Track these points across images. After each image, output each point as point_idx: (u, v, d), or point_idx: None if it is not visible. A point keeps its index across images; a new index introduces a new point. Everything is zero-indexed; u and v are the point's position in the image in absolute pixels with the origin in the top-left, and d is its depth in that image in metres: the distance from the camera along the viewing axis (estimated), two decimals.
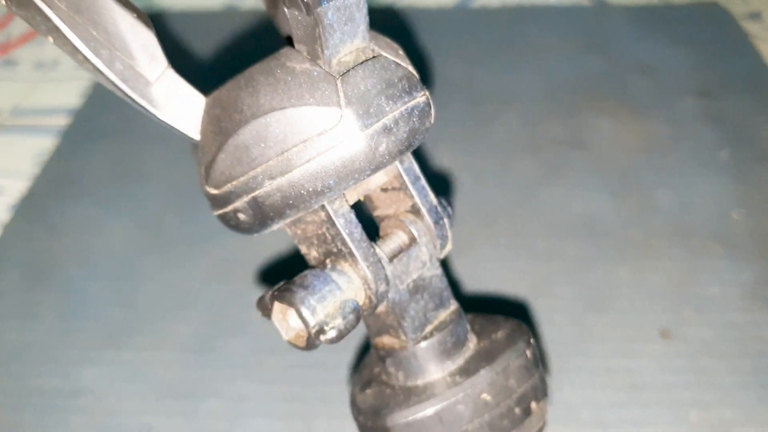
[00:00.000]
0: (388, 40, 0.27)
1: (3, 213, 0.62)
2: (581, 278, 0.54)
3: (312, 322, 0.25)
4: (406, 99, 0.25)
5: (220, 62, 0.75)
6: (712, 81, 0.71)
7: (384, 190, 0.29)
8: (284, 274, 0.28)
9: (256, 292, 0.54)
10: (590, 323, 0.51)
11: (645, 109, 0.69)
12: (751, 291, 0.52)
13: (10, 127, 0.72)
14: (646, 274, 0.54)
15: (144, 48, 0.23)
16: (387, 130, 0.24)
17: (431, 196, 0.29)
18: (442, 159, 0.63)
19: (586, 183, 0.61)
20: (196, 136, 0.27)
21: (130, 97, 0.24)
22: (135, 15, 0.23)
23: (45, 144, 0.69)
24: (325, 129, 0.23)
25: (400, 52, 0.26)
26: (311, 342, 0.25)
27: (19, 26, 0.86)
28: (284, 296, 0.25)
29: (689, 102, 0.69)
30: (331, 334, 0.25)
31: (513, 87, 0.72)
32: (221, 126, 0.25)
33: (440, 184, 0.61)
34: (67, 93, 0.75)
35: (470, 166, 0.63)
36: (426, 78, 0.70)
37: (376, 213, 0.31)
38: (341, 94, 0.23)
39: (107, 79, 0.23)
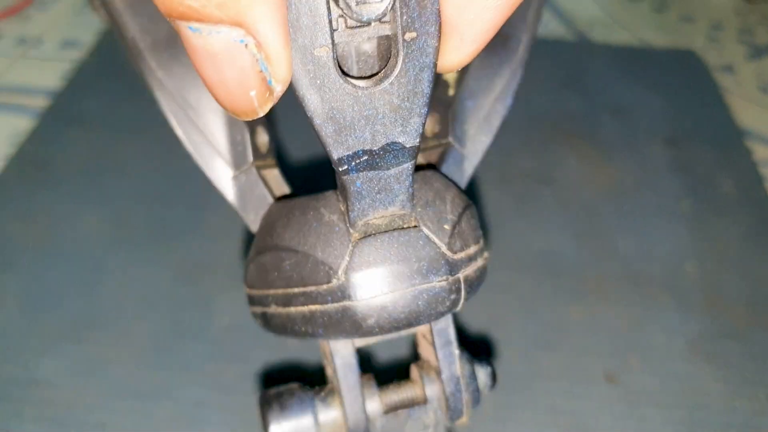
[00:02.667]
0: (449, 207, 0.26)
1: None
2: (534, 315, 0.56)
3: None
4: (417, 281, 0.24)
5: None
6: (681, 130, 0.74)
7: (423, 335, 0.29)
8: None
9: (221, 296, 0.55)
10: (539, 360, 0.53)
11: (614, 151, 0.71)
12: (695, 344, 0.54)
13: None
14: (597, 316, 0.56)
15: (234, 145, 0.25)
16: (382, 308, 0.23)
17: (456, 366, 0.28)
18: None
19: (549, 220, 0.63)
20: (255, 230, 0.28)
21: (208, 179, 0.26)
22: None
23: (21, 124, 0.69)
24: (323, 284, 0.23)
25: (446, 226, 0.25)
26: None
27: None
28: (263, 409, 0.27)
29: (657, 149, 0.71)
30: None
31: None
32: (259, 240, 0.27)
33: None
34: (48, 73, 0.75)
35: None
36: None
37: (419, 350, 0.31)
38: (347, 258, 0.23)
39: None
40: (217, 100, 0.18)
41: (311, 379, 0.34)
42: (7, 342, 0.51)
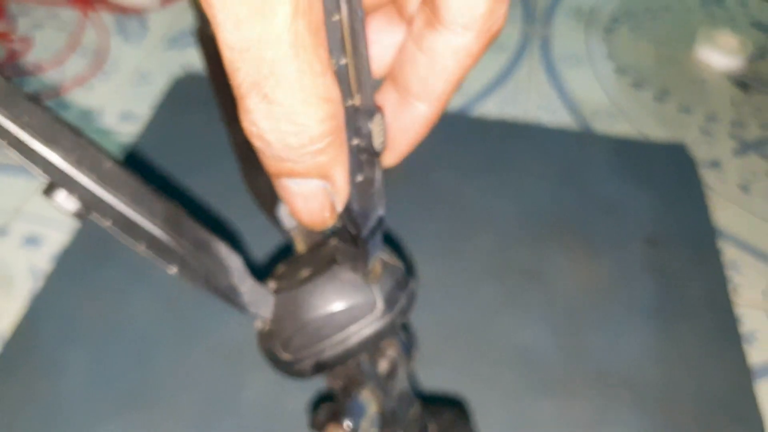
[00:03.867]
0: (384, 248, 0.37)
1: (44, 263, 0.73)
2: (510, 406, 0.66)
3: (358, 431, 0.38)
4: (405, 289, 0.36)
5: None
6: (662, 228, 0.83)
7: None
8: None
9: (250, 373, 0.66)
10: None
11: (599, 248, 0.80)
12: None
13: None
14: (564, 410, 0.66)
15: (236, 269, 0.34)
16: (401, 311, 0.36)
17: (402, 334, 0.42)
18: (420, 273, 0.75)
19: (533, 315, 0.73)
20: (268, 316, 0.36)
21: (227, 301, 0.35)
22: (228, 246, 0.33)
23: None
24: (368, 316, 0.35)
25: (393, 256, 0.37)
26: None
27: (73, 67, 0.97)
28: (339, 420, 0.38)
29: (637, 248, 0.81)
30: None
31: (492, 208, 0.83)
32: (297, 317, 0.35)
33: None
34: (108, 145, 0.86)
35: (443, 284, 0.75)
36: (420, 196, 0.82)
37: None
38: (377, 295, 0.35)
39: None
40: (301, 222, 0.27)
41: None
42: (71, 408, 0.63)
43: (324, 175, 0.25)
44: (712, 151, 0.95)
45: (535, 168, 0.90)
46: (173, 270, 0.31)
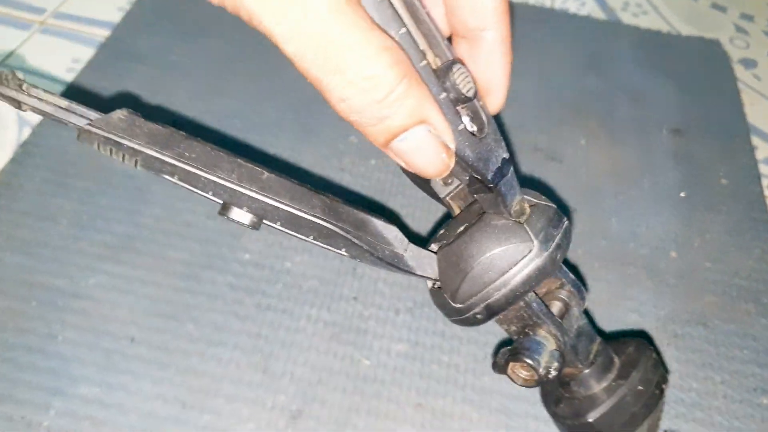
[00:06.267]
0: (534, 191, 0.39)
1: (32, 115, 0.68)
2: None
3: (541, 371, 0.38)
4: (561, 226, 0.37)
5: None
6: (690, 119, 0.78)
7: None
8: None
9: (247, 234, 0.62)
10: None
11: (622, 135, 0.76)
12: (664, 325, 0.60)
13: (51, 27, 0.78)
14: None
15: (395, 239, 0.37)
16: (558, 247, 0.36)
17: (570, 275, 0.42)
18: None
19: (551, 196, 0.69)
20: (435, 277, 0.39)
21: (394, 269, 0.37)
22: (383, 220, 0.37)
23: (82, 53, 0.75)
24: (526, 255, 0.35)
25: (539, 194, 0.38)
26: (539, 381, 0.39)
27: None
28: (518, 358, 0.39)
29: (664, 137, 0.76)
30: (553, 372, 0.39)
31: (514, 87, 0.78)
32: (460, 267, 0.37)
33: None
34: (108, 7, 0.81)
35: None
36: None
37: (539, 293, 0.42)
38: (530, 234, 0.35)
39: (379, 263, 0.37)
40: (425, 175, 0.29)
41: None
42: (57, 257, 0.58)
43: (420, 118, 0.27)
44: (748, 50, 0.90)
45: (559, 53, 0.84)
46: (342, 252, 0.35)
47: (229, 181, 0.33)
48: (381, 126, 0.27)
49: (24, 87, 0.33)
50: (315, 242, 0.35)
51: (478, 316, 0.38)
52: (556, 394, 0.47)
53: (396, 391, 0.54)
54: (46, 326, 0.54)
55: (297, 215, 0.34)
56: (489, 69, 0.33)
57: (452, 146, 0.29)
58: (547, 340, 0.39)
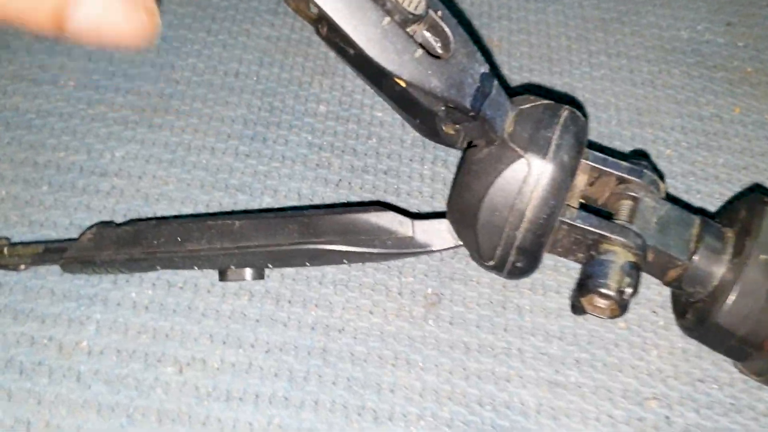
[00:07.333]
0: (525, 95, 0.33)
1: None
2: (686, 109, 0.47)
3: (611, 293, 0.30)
4: (556, 120, 0.31)
5: None
6: None
7: (591, 184, 0.34)
8: None
9: (317, 79, 0.46)
10: (697, 160, 0.44)
11: None
12: None
13: None
14: (755, 114, 0.47)
15: (394, 223, 0.33)
16: (559, 147, 0.30)
17: (622, 163, 0.34)
18: None
19: (696, 7, 0.53)
20: (458, 241, 0.34)
21: (407, 255, 0.35)
22: (374, 209, 0.33)
23: None
24: (525, 175, 0.30)
25: (532, 98, 0.32)
26: (621, 305, 0.31)
27: None
28: (583, 291, 0.31)
29: None
30: (629, 290, 0.30)
31: None
32: (466, 223, 0.32)
33: None
34: None
35: None
36: None
37: (600, 203, 0.35)
38: (517, 149, 0.30)
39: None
40: (130, 45, 0.19)
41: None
42: (68, 126, 0.43)
43: None
44: None
45: None
46: (344, 263, 0.34)
47: (203, 248, 0.33)
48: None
49: (5, 251, 0.36)
50: (312, 265, 0.34)
51: (519, 264, 0.32)
52: (679, 306, 0.37)
53: None
54: (65, 215, 0.39)
55: (279, 251, 0.33)
56: None
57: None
58: (615, 254, 0.32)
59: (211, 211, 0.40)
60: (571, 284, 0.39)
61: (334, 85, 0.46)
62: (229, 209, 0.40)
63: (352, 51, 0.28)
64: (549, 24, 0.51)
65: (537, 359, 0.36)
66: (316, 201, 0.40)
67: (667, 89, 0.48)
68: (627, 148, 0.44)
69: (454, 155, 0.43)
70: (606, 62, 0.49)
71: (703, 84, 0.48)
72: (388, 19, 0.25)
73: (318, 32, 0.47)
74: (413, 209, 0.41)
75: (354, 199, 0.41)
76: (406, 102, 0.34)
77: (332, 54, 0.47)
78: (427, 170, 0.42)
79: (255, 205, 0.40)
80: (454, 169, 0.42)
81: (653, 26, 0.52)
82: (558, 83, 0.47)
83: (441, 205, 0.41)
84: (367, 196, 0.41)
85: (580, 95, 0.47)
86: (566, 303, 0.38)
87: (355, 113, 0.45)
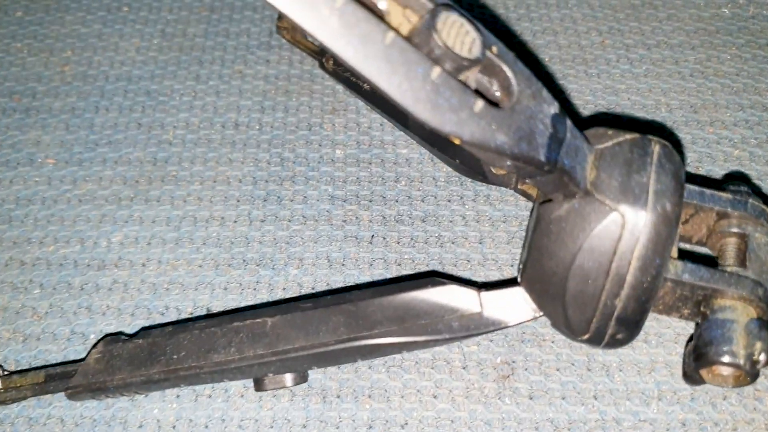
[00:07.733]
0: (598, 129, 0.28)
1: None
2: (751, 100, 0.41)
3: (739, 361, 0.26)
4: (648, 159, 0.26)
5: None
6: None
7: (685, 221, 0.30)
8: None
9: (323, 118, 0.40)
10: None
11: None
12: None
13: None
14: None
15: (458, 299, 0.29)
16: (658, 192, 0.25)
17: (722, 195, 0.30)
18: None
19: None
20: (537, 312, 0.29)
21: (475, 336, 0.29)
22: (431, 284, 0.29)
23: None
24: (621, 231, 0.25)
25: (609, 132, 0.28)
26: (751, 373, 0.26)
27: None
28: (703, 362, 0.27)
29: None
30: (762, 357, 0.26)
31: None
32: (550, 293, 0.27)
33: None
34: None
35: None
36: None
37: (695, 241, 0.31)
38: (606, 201, 0.25)
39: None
40: None
41: None
42: (57, 214, 0.37)
43: None
44: None
45: None
46: (403, 354, 0.31)
47: (233, 359, 0.28)
48: None
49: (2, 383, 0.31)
50: (365, 360, 0.31)
51: (620, 336, 0.27)
52: None
53: None
54: (64, 323, 0.34)
55: (324, 352, 0.28)
56: None
57: None
58: (733, 311, 0.27)
59: (230, 294, 0.34)
60: (658, 330, 0.33)
61: (348, 124, 0.41)
62: (251, 289, 0.34)
63: (368, 87, 0.23)
64: (575, 19, 0.46)
65: (637, 429, 0.31)
66: (349, 265, 0.35)
67: (720, 78, 0.43)
68: (688, 154, 0.39)
69: (498, 188, 0.38)
70: (646, 56, 0.44)
71: (758, 67, 0.43)
72: (437, 69, 0.21)
73: (322, 66, 0.41)
74: (461, 260, 0.35)
75: (392, 257, 0.35)
76: (456, 153, 0.29)
77: (340, 87, 0.41)
78: (469, 211, 0.37)
79: (279, 280, 0.35)
80: (499, 206, 0.37)
81: (689, 5, 0.47)
82: (598, 88, 0.42)
83: (493, 251, 0.35)
84: (407, 253, 0.35)
85: (624, 99, 0.41)
86: (658, 353, 0.33)
87: (377, 153, 0.39)
